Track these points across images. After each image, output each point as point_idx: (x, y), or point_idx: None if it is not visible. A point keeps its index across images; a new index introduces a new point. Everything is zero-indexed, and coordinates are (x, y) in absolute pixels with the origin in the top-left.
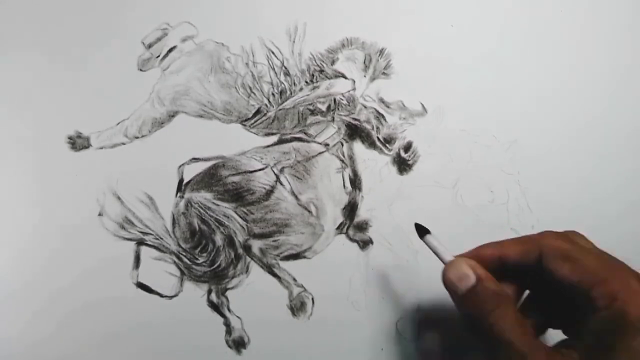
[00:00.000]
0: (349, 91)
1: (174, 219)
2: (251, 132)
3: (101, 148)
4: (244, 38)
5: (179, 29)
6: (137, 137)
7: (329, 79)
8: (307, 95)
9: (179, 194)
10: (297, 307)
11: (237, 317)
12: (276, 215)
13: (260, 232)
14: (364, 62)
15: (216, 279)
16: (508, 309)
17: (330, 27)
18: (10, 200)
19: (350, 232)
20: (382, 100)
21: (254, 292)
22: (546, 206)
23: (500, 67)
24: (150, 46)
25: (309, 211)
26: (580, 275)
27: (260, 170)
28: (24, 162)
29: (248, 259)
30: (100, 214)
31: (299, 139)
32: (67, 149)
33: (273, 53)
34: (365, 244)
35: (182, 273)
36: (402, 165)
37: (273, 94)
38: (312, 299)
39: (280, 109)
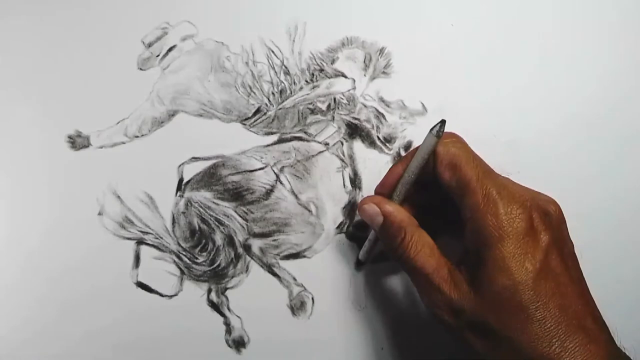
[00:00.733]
0: (349, 90)
1: (173, 218)
2: (251, 131)
3: (101, 147)
4: (244, 37)
5: (178, 28)
6: (137, 136)
7: (329, 78)
8: (307, 94)
9: (178, 193)
10: (297, 307)
11: (237, 316)
12: (276, 215)
13: (260, 232)
14: (364, 61)
15: (216, 279)
16: (413, 235)
17: (330, 27)
18: (10, 200)
19: (350, 231)
20: (382, 100)
21: (254, 292)
22: None
23: (500, 66)
24: (150, 45)
25: (309, 210)
26: (456, 182)
27: (260, 169)
28: (23, 161)
29: (248, 258)
30: (100, 213)
31: (299, 138)
32: (67, 148)
33: (273, 52)
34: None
35: (182, 272)
36: None
37: (273, 93)
38: (312, 298)
39: (280, 108)
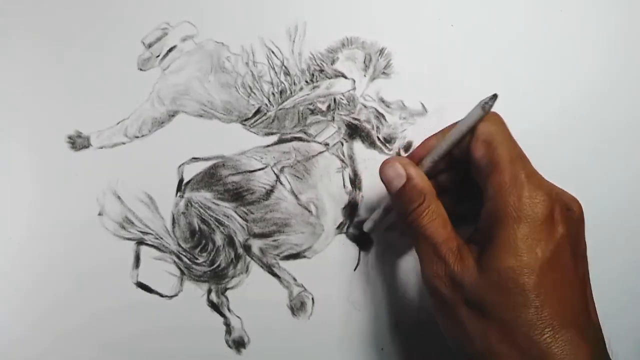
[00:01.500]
0: (349, 91)
1: (173, 219)
2: (251, 131)
3: (101, 148)
4: (244, 38)
5: (179, 28)
6: (137, 137)
7: (329, 78)
8: (307, 94)
9: (178, 194)
10: (297, 307)
11: (237, 316)
12: (276, 215)
13: (260, 232)
14: (364, 62)
15: (216, 279)
16: (431, 204)
17: (330, 27)
18: (10, 200)
19: (350, 231)
20: (382, 100)
21: (254, 292)
22: None
23: (500, 66)
24: (150, 46)
25: (309, 211)
26: (488, 160)
27: (260, 169)
28: (23, 162)
29: (248, 258)
30: (100, 214)
31: (299, 139)
32: (67, 149)
33: (273, 52)
34: (365, 243)
35: (182, 273)
36: None
37: (273, 94)
38: (312, 298)
39: (280, 109)
